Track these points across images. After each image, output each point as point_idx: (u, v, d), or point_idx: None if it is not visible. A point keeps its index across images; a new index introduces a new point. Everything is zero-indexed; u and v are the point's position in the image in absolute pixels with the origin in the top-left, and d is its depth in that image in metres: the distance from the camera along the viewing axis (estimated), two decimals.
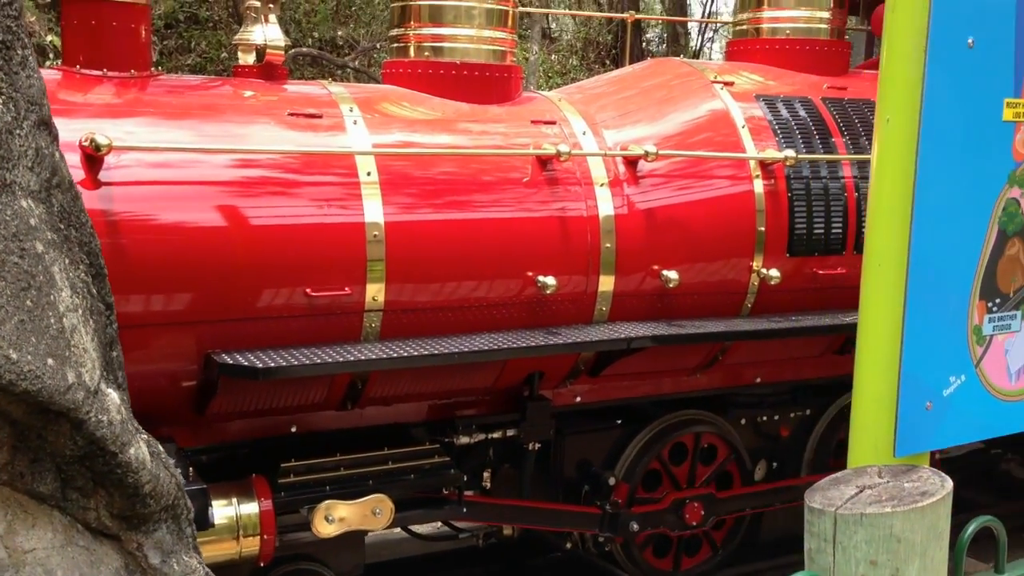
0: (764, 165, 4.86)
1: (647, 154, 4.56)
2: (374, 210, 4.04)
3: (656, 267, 4.67)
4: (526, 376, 4.67)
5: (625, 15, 6.82)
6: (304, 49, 14.77)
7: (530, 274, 4.39)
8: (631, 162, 4.65)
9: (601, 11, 19.04)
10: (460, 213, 4.28)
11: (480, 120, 4.54)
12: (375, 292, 4.05)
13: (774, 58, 5.51)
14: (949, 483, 2.63)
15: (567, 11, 14.57)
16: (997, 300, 3.42)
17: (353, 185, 4.04)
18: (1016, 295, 3.52)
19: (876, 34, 6.25)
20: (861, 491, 2.64)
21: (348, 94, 4.37)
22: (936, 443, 3.32)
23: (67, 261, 2.15)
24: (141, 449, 2.25)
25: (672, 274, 4.61)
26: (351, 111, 4.24)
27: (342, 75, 14.23)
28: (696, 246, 4.72)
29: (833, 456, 5.78)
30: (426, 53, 4.60)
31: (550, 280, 4.34)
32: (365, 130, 4.20)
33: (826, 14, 5.54)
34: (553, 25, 20.39)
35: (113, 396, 2.20)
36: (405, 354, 3.86)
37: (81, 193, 2.33)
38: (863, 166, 5.14)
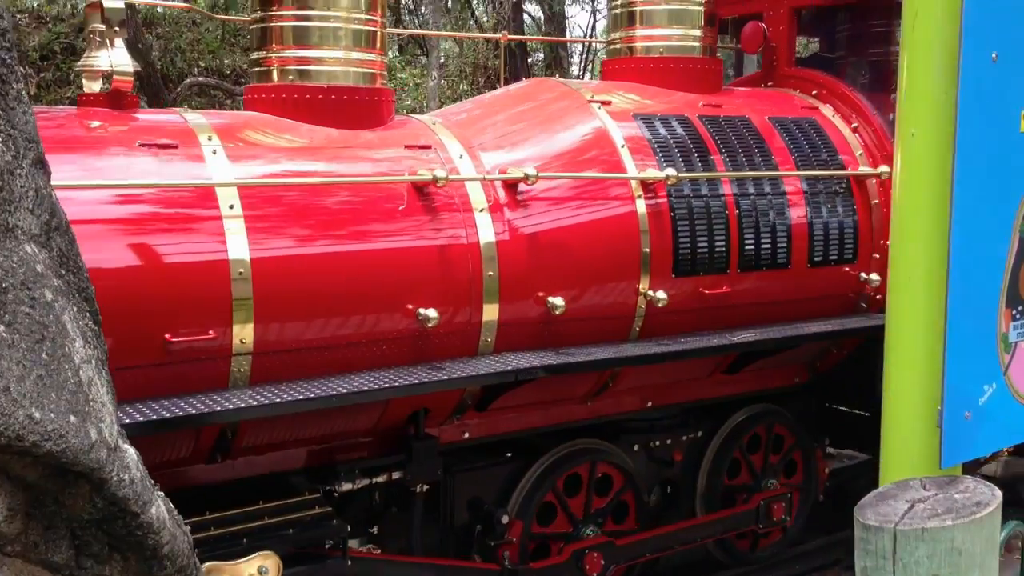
0: (646, 185, 4.76)
1: (527, 177, 4.39)
2: (238, 245, 3.74)
3: (541, 294, 4.50)
4: (411, 414, 4.42)
5: (499, 35, 6.64)
6: (200, 79, 14.31)
7: (411, 307, 4.16)
8: (511, 185, 4.48)
9: (484, 33, 19.01)
10: (333, 245, 4.02)
11: (351, 146, 4.30)
12: (243, 334, 3.75)
13: (649, 76, 5.45)
14: (998, 492, 2.64)
15: (438, 32, 14.38)
16: (1020, 307, 3.46)
17: (214, 219, 3.74)
18: None
19: (747, 51, 6.27)
20: (913, 505, 2.62)
21: (207, 122, 4.06)
22: (976, 451, 3.33)
23: (75, 309, 2.05)
24: (160, 508, 2.14)
25: (558, 300, 4.44)
26: (210, 140, 3.94)
27: (232, 104, 13.78)
28: (581, 270, 4.57)
29: (727, 477, 5.71)
30: (290, 77, 4.33)
31: (431, 313, 4.11)
32: (226, 160, 3.90)
33: (698, 32, 5.51)
34: (445, 45, 20.28)
35: (131, 452, 2.08)
36: (272, 400, 3.56)
37: None
38: (742, 183, 5.10)
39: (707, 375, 5.44)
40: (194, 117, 4.09)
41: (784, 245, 5.19)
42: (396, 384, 3.84)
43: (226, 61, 15.70)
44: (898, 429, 3.22)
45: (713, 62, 5.61)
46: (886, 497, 2.70)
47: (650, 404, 5.33)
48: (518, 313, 4.46)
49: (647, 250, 4.72)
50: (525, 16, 21.33)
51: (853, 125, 5.74)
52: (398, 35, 15.22)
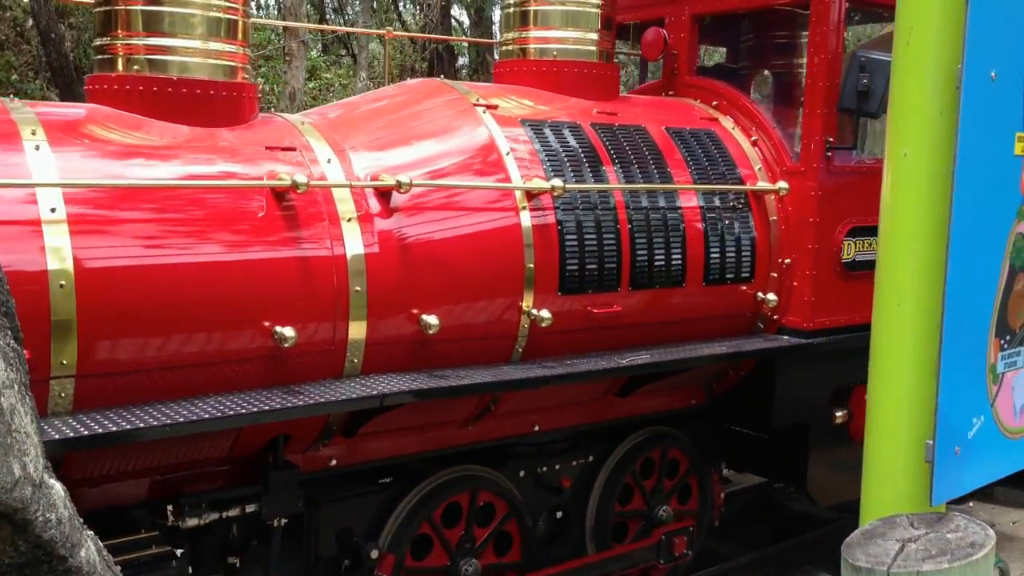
0: (531, 196, 4.45)
1: (400, 185, 4.04)
2: (60, 254, 3.31)
3: (415, 311, 4.15)
4: (269, 441, 4.03)
5: (383, 31, 6.29)
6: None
7: (267, 324, 3.77)
8: (383, 194, 4.12)
9: (410, 32, 18.74)
10: (177, 255, 3.61)
11: (202, 146, 3.89)
12: (64, 354, 3.32)
13: (542, 80, 5.15)
14: (991, 531, 2.59)
15: (338, 28, 13.96)
16: (1008, 337, 3.32)
17: (32, 224, 3.30)
18: (1022, 330, 3.42)
19: (647, 58, 6.02)
20: (904, 545, 2.55)
21: (33, 114, 3.62)
22: (965, 487, 3.18)
23: None
24: (90, 550, 1.96)
25: (432, 319, 4.10)
26: (33, 135, 3.50)
27: None
28: (459, 287, 4.23)
29: (619, 502, 5.43)
30: (136, 67, 3.91)
31: (288, 332, 3.73)
32: (51, 157, 3.47)
33: (594, 36, 5.23)
34: (372, 46, 19.90)
35: (58, 489, 1.90)
36: (91, 431, 3.14)
37: None
38: (636, 196, 4.82)
39: (599, 397, 5.15)
40: (20, 108, 3.64)
41: (679, 262, 4.93)
42: (231, 412, 3.43)
43: None
44: (882, 464, 3.12)
45: (610, 68, 5.34)
46: (873, 536, 2.63)
47: (537, 428, 5.02)
48: (389, 332, 4.10)
49: (531, 265, 4.40)
50: (453, 19, 21.04)
51: (753, 138, 5.52)
52: (322, 34, 14.79)
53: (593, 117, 5.02)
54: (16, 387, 1.87)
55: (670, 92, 5.95)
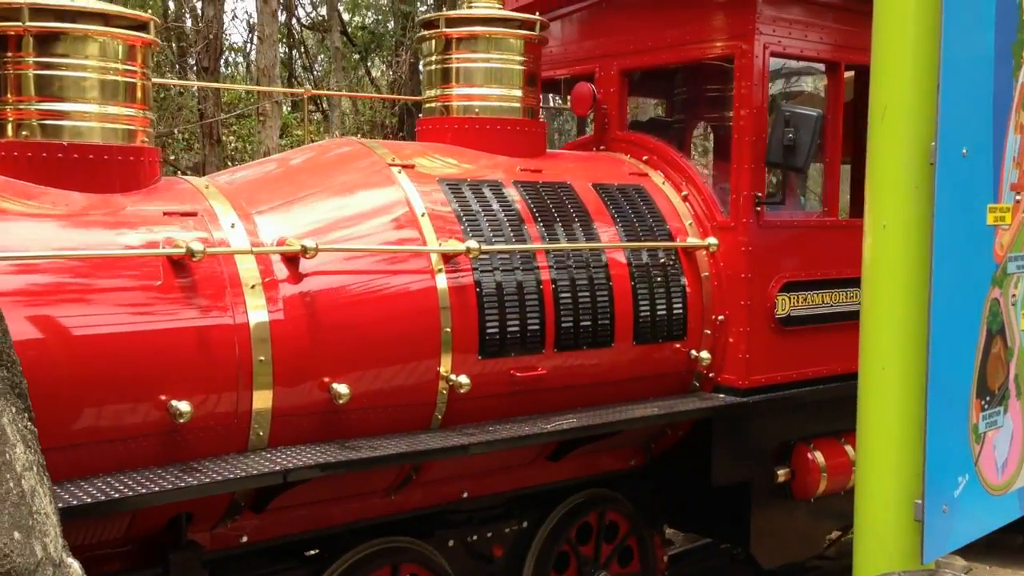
0: (447, 258, 4.32)
1: (305, 250, 3.90)
2: None
3: (325, 379, 3.99)
4: (169, 520, 3.83)
5: (302, 91, 6.20)
6: None
7: (162, 398, 3.60)
8: (290, 259, 3.98)
9: (381, 92, 18.81)
10: (68, 328, 3.44)
11: (96, 213, 3.74)
12: None
13: (465, 138, 5.05)
14: None
15: (247, 86, 13.90)
16: (988, 398, 3.48)
17: None
18: (999, 391, 3.58)
19: (576, 113, 5.95)
20: None
21: None
22: (953, 544, 3.30)
23: (13, 410, 1.90)
24: None
25: (342, 388, 3.94)
26: None
27: None
28: (371, 353, 4.08)
29: (555, 570, 5.25)
30: (26, 132, 3.77)
31: (183, 406, 3.55)
32: None
33: (518, 92, 5.15)
34: (344, 104, 19.95)
35: (75, 567, 1.97)
36: None
37: None
38: (560, 255, 4.71)
39: (529, 462, 4.99)
40: None
41: (606, 322, 4.81)
42: (116, 496, 3.23)
43: None
44: (873, 522, 3.19)
45: (535, 124, 5.25)
46: None
47: (466, 495, 4.84)
48: (297, 402, 3.93)
49: (448, 329, 4.26)
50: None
51: (683, 193, 5.44)
52: (281, 94, 14.87)
53: (516, 175, 4.92)
54: (35, 469, 1.90)
55: (601, 147, 5.87)
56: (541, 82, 6.04)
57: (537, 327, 4.55)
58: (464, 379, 4.22)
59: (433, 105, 5.19)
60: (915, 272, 3.10)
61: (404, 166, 4.55)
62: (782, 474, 5.63)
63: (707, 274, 5.26)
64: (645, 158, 5.64)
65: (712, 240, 5.19)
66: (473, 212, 4.54)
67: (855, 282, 5.69)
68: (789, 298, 5.37)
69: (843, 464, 5.77)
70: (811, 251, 5.48)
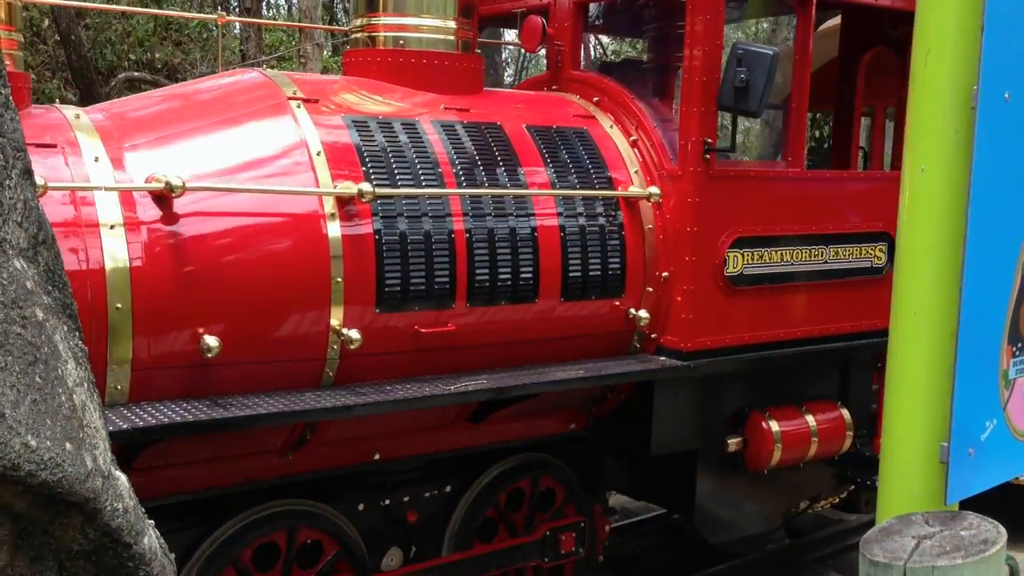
0: (343, 202, 3.96)
1: (172, 188, 3.55)
2: None
3: (202, 330, 3.67)
4: None
5: (214, 16, 5.80)
6: (135, 73, 13.42)
7: None
8: (159, 198, 3.64)
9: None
10: None
11: None
12: None
13: (391, 73, 4.65)
14: (1002, 529, 2.76)
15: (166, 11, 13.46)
16: (1020, 344, 3.51)
17: None
18: None
19: (526, 49, 5.51)
20: (919, 542, 2.70)
21: None
22: (977, 487, 3.36)
23: (65, 329, 1.96)
24: (151, 538, 2.10)
25: (212, 340, 3.62)
26: None
27: None
28: (247, 304, 3.75)
29: (478, 536, 4.94)
30: None
31: None
32: None
33: (451, 23, 4.73)
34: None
35: (123, 480, 2.03)
36: None
37: None
38: (477, 201, 4.33)
39: (450, 423, 4.66)
40: None
41: (529, 275, 4.43)
42: None
43: (157, 55, 14.85)
44: (898, 464, 3.28)
45: (470, 59, 4.83)
46: (890, 532, 2.79)
47: (378, 456, 4.53)
48: (161, 355, 3.62)
49: (340, 279, 3.91)
50: None
51: (632, 138, 5.01)
52: (332, 35, 14.44)
53: (438, 113, 4.53)
54: (85, 385, 1.96)
55: (554, 87, 5.44)
56: (489, 15, 5.64)
57: (446, 280, 4.18)
58: (355, 333, 3.88)
59: (358, 36, 4.79)
60: (951, 217, 3.13)
61: (305, 100, 4.17)
62: (733, 443, 5.25)
63: (651, 227, 4.85)
64: (596, 99, 5.20)
65: (654, 190, 4.77)
66: (378, 153, 4.16)
67: (819, 239, 5.28)
68: (742, 255, 4.94)
69: (801, 435, 5.38)
70: (770, 205, 5.04)
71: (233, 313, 3.72)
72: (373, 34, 4.73)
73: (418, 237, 4.12)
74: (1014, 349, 3.49)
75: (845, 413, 5.61)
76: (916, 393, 3.23)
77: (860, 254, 5.45)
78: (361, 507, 4.61)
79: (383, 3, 4.70)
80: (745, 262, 4.97)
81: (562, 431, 5.21)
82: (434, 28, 4.71)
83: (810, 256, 5.23)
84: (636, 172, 4.92)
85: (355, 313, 3.96)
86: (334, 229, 3.92)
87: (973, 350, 3.20)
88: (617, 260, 4.71)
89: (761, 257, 5.02)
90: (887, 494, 3.34)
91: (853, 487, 6.20)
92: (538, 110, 4.97)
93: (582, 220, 4.61)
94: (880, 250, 5.52)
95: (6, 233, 1.81)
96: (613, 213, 4.74)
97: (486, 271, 4.29)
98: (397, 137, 4.27)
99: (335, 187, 3.95)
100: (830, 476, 5.93)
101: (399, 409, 4.01)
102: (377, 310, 4.03)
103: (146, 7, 13.45)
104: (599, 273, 4.65)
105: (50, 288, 1.98)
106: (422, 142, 4.32)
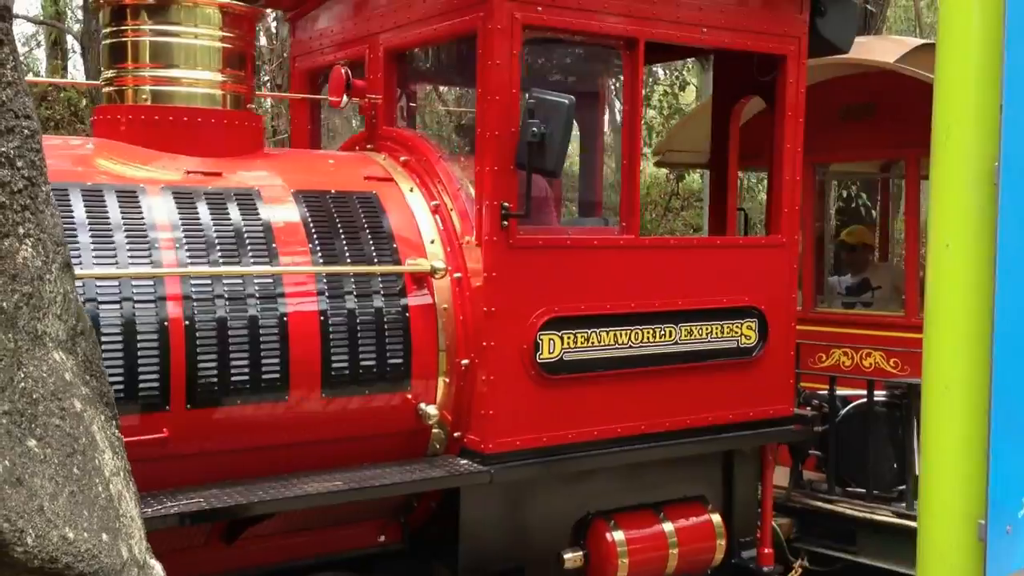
0: None
1: None
2: None
3: None
4: None
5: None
6: None
7: None
8: None
9: None
10: None
11: None
12: None
13: (140, 133, 4.04)
14: None
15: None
16: None
17: None
18: None
19: (332, 105, 4.86)
20: None
21: None
22: (1015, 565, 3.36)
23: (102, 418, 2.01)
24: None
25: None
26: None
27: None
28: None
29: None
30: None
31: None
32: None
33: (215, 76, 4.11)
34: None
35: (158, 569, 2.06)
36: None
37: None
38: (201, 283, 3.65)
39: (202, 543, 3.93)
40: None
41: (276, 368, 3.73)
42: None
43: None
44: (936, 543, 3.29)
45: (238, 116, 4.20)
46: None
47: None
48: None
49: None
50: None
51: (434, 203, 4.32)
52: None
53: (176, 180, 3.88)
54: (122, 474, 2.01)
55: (369, 146, 4.79)
56: (310, 69, 5.04)
57: (155, 378, 3.49)
58: None
59: (108, 90, 4.18)
60: (978, 292, 3.16)
61: None
62: (571, 559, 4.46)
63: (447, 307, 4.13)
64: (403, 159, 4.53)
65: (438, 264, 4.05)
66: (74, 228, 3.50)
67: (665, 317, 4.52)
68: (560, 338, 4.20)
69: (654, 545, 4.58)
70: (596, 278, 4.30)
71: None
72: (121, 88, 4.11)
73: (114, 328, 3.43)
74: None
75: (714, 517, 4.80)
76: (951, 469, 3.23)
77: (722, 333, 4.68)
78: None
79: (131, 52, 4.09)
80: (565, 346, 4.22)
81: (368, 544, 4.44)
82: (192, 81, 4.09)
83: (654, 337, 4.47)
84: (432, 243, 4.22)
85: None
86: None
87: (1007, 426, 3.20)
88: (400, 347, 4.00)
89: (587, 340, 4.28)
90: (925, 572, 3.35)
91: None
92: (322, 173, 4.32)
93: (351, 301, 3.91)
94: (749, 328, 4.75)
95: (46, 326, 1.87)
96: (395, 292, 4.03)
97: (212, 365, 3.59)
98: (105, 210, 3.61)
99: None
100: None
101: None
102: None
103: None
104: (373, 363, 3.93)
105: (88, 378, 2.01)
106: (138, 214, 3.66)
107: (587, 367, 4.28)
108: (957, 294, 3.19)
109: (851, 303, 8.02)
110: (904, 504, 5.91)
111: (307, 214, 4.00)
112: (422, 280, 4.09)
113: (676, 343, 4.54)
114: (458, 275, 4.16)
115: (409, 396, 4.07)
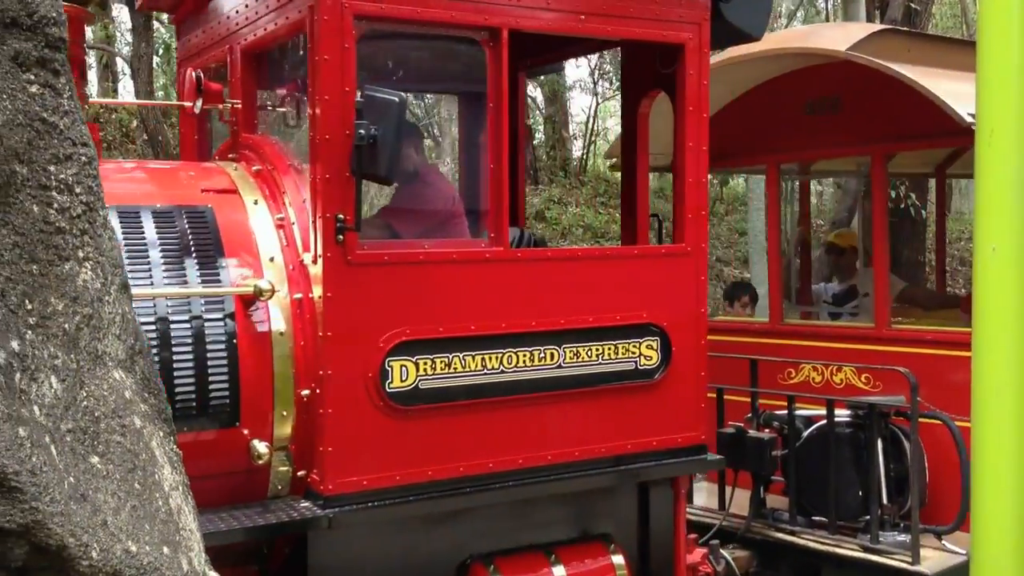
0: None
1: None
2: None
3: None
4: None
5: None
6: None
7: None
8: None
9: None
10: None
11: None
12: None
13: None
14: None
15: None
16: None
17: None
18: None
19: (187, 111, 4.47)
20: None
21: None
22: None
23: (161, 434, 2.05)
24: None
25: None
26: None
27: None
28: None
29: None
30: None
31: None
32: None
33: None
34: None
35: None
36: None
37: None
38: None
39: None
40: None
41: None
42: None
43: None
44: (990, 554, 3.19)
45: None
46: None
47: None
48: None
49: None
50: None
51: (279, 216, 3.91)
52: None
53: None
54: (181, 488, 2.05)
55: (231, 155, 4.40)
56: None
57: None
58: None
59: None
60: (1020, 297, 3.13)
61: None
62: None
63: (283, 331, 3.71)
64: (255, 168, 4.13)
65: (263, 284, 3.62)
66: None
67: (545, 338, 4.05)
68: (413, 364, 3.76)
69: None
70: (456, 297, 3.85)
71: None
72: None
73: None
74: None
75: (616, 559, 4.30)
76: (1004, 480, 3.15)
77: (617, 354, 4.19)
78: None
79: None
80: (421, 373, 3.77)
81: None
82: None
83: (532, 360, 4.00)
84: (272, 260, 3.80)
85: None
86: None
87: None
88: (224, 377, 3.58)
89: (447, 365, 3.83)
90: None
91: None
92: (152, 186, 3.94)
93: (161, 326, 3.51)
94: (649, 347, 4.26)
95: (106, 346, 1.91)
96: (219, 317, 3.62)
97: None
98: None
99: None
100: None
101: None
102: None
103: None
104: (191, 396, 3.52)
105: (146, 395, 2.05)
106: None
107: (449, 396, 3.83)
108: (1006, 297, 3.15)
109: (837, 313, 7.48)
110: (869, 537, 5.38)
111: (128, 231, 3.61)
112: (253, 303, 3.68)
113: (560, 366, 4.07)
114: (298, 296, 3.74)
115: (246, 432, 3.65)
